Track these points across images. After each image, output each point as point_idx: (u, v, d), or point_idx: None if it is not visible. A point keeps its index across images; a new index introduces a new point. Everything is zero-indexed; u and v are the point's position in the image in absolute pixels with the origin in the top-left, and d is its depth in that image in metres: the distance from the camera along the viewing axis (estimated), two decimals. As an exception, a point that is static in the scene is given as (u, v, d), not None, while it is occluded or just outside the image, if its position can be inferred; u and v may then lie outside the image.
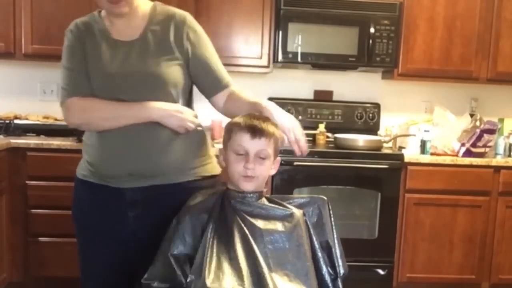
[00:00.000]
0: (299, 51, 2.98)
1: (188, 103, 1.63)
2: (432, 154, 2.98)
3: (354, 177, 2.86)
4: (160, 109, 1.46)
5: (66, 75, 1.51)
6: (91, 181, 1.53)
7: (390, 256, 2.93)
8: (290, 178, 2.80)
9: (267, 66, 3.05)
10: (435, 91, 3.43)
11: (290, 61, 3.00)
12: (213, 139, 3.12)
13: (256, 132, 1.40)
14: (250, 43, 3.00)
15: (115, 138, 1.47)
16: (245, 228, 1.37)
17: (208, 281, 1.28)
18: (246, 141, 1.40)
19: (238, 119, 1.45)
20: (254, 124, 1.41)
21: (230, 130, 1.45)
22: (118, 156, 1.46)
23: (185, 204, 1.48)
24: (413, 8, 3.04)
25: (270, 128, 1.43)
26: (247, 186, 1.42)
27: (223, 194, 1.46)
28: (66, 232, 2.78)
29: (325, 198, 1.55)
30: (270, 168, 1.46)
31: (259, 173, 1.41)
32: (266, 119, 1.46)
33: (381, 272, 2.92)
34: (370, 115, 3.35)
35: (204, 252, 1.34)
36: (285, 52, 2.97)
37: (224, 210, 1.41)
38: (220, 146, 1.58)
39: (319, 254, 1.44)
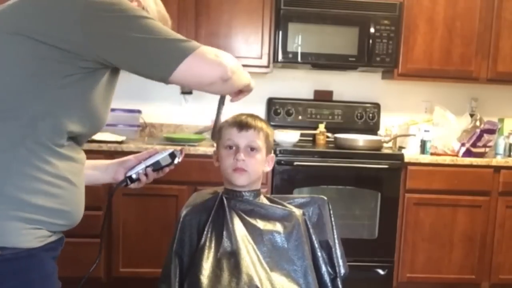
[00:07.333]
0: (299, 51, 2.98)
1: None
2: (432, 154, 2.97)
3: (354, 177, 2.86)
4: None
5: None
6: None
7: (390, 256, 2.93)
8: (290, 178, 2.80)
9: (267, 66, 3.04)
10: (435, 91, 3.43)
11: (290, 61, 3.00)
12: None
13: (243, 125, 1.43)
14: (250, 43, 3.00)
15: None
16: (244, 228, 1.37)
17: (207, 279, 1.29)
18: (235, 135, 1.43)
19: (227, 119, 1.49)
20: (241, 118, 1.46)
21: (220, 129, 1.48)
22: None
23: (185, 204, 1.48)
24: (413, 8, 3.04)
25: (258, 123, 1.46)
26: (239, 180, 1.42)
27: (222, 194, 1.47)
28: (66, 232, 2.79)
29: (325, 198, 1.56)
30: (262, 163, 1.47)
31: (251, 166, 1.42)
32: (255, 116, 1.49)
33: (381, 272, 2.92)
34: (370, 115, 3.35)
35: (203, 251, 1.34)
36: (285, 52, 2.97)
37: (223, 210, 1.41)
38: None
39: (319, 253, 1.45)
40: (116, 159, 1.39)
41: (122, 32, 1.01)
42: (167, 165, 1.34)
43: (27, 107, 1.00)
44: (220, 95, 1.32)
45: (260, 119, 1.48)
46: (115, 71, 1.15)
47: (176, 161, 1.34)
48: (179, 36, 1.06)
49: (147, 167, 1.32)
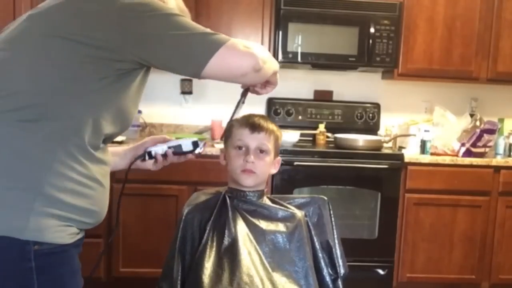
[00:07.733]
0: (299, 51, 2.98)
1: None
2: (432, 154, 2.97)
3: (354, 177, 2.86)
4: None
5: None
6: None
7: (390, 256, 2.93)
8: (290, 178, 2.80)
9: (267, 66, 3.04)
10: (435, 91, 3.43)
11: (290, 61, 3.00)
12: (213, 138, 3.12)
13: (255, 127, 1.42)
14: (250, 43, 3.00)
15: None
16: (246, 227, 1.37)
17: (208, 278, 1.29)
18: (246, 136, 1.42)
19: (238, 118, 1.47)
20: (253, 119, 1.44)
21: (230, 128, 1.47)
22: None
23: (187, 202, 1.48)
24: (413, 8, 3.04)
25: (270, 125, 1.46)
26: (247, 181, 1.42)
27: (225, 193, 1.47)
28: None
29: (325, 198, 1.56)
30: (270, 165, 1.47)
31: (259, 168, 1.42)
32: (267, 118, 1.49)
33: (381, 272, 2.92)
34: (370, 115, 3.35)
35: (205, 250, 1.34)
36: (285, 52, 2.97)
37: (226, 209, 1.41)
38: (220, 145, 1.59)
39: (320, 254, 1.45)
40: (134, 144, 1.43)
41: (155, 31, 1.04)
42: (189, 152, 1.37)
43: (67, 109, 1.03)
44: (240, 95, 1.34)
45: (271, 121, 1.48)
46: (146, 72, 1.16)
47: (197, 150, 1.37)
48: (208, 30, 1.08)
49: (168, 148, 1.36)
